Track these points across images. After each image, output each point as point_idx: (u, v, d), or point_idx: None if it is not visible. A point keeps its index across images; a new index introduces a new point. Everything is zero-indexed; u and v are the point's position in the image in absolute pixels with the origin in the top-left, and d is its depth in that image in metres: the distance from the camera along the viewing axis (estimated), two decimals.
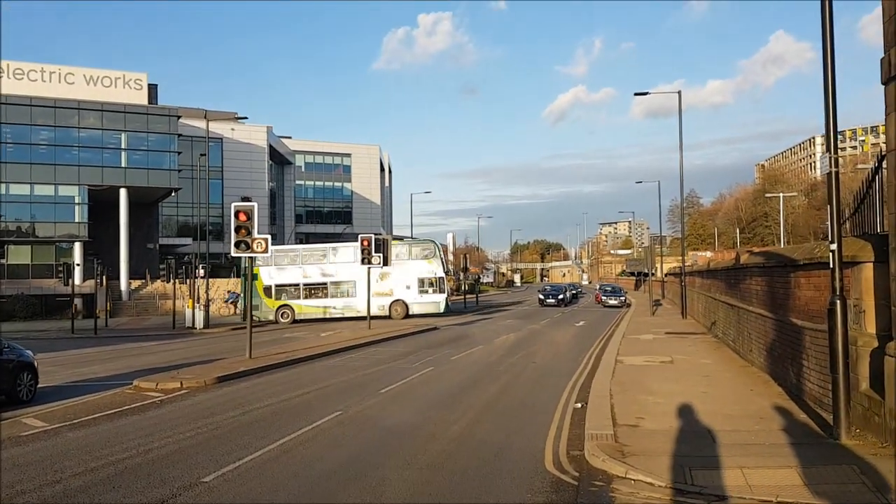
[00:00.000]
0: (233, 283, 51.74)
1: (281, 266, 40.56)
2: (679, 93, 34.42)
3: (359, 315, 36.97)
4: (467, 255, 75.15)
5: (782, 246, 63.18)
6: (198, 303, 35.68)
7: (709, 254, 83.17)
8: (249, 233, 17.97)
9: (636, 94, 35.36)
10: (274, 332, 31.92)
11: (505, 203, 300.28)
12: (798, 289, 11.61)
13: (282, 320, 39.26)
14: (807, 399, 10.90)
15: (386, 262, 31.13)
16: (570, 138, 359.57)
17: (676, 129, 30.25)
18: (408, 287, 39.73)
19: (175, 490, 7.57)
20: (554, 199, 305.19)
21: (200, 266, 38.92)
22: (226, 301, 48.18)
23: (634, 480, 7.41)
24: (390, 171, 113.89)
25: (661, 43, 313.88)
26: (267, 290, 40.06)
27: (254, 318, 40.26)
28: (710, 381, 13.82)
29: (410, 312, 39.57)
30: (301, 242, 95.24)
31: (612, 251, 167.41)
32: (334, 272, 40.09)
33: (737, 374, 14.63)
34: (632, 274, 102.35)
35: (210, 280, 40.37)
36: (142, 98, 53.05)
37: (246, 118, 56.11)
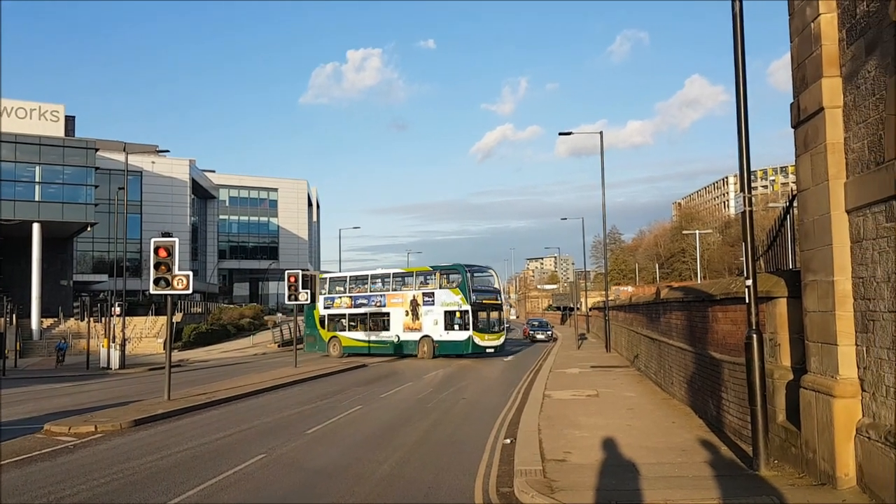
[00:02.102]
0: (151, 321, 49.94)
1: (333, 294, 39.37)
2: (601, 133, 35.65)
3: (391, 353, 35.75)
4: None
5: (699, 280, 65.58)
6: (113, 342, 34.24)
7: (630, 288, 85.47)
8: (170, 269, 17.44)
9: (561, 134, 36.94)
10: (201, 372, 30.83)
11: (434, 238, 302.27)
12: (716, 323, 12.03)
13: (332, 352, 38.24)
14: (727, 431, 11.22)
15: (313, 299, 30.73)
16: (498, 175, 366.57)
17: (599, 167, 31.37)
18: (435, 322, 34.80)
19: None
20: (482, 234, 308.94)
21: (117, 304, 37.44)
22: (57, 346, 39.28)
23: None
24: (318, 206, 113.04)
25: (583, 84, 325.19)
26: (321, 319, 39.22)
27: (317, 351, 39.27)
28: (633, 413, 14.08)
29: (437, 352, 34.72)
30: (224, 279, 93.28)
31: (538, 286, 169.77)
32: (374, 301, 37.70)
33: (659, 407, 14.96)
34: (558, 308, 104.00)
35: (127, 318, 38.84)
36: (58, 130, 51.33)
37: (167, 151, 54.67)
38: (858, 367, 7.39)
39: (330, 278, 40.90)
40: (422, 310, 35.15)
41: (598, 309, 49.24)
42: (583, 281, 63.55)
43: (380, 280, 38.39)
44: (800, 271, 8.62)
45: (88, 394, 22.58)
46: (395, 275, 38.27)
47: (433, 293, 35.06)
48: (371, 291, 38.09)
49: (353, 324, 38.14)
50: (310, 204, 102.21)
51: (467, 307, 33.54)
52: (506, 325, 38.31)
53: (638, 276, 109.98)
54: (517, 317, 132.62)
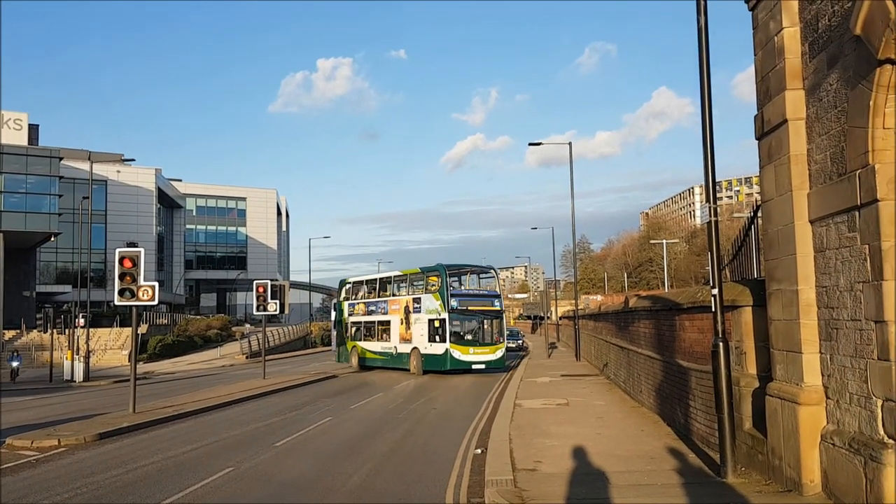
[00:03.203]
0: (115, 333, 49.09)
1: (353, 300, 36.45)
2: (570, 144, 36.01)
3: (397, 366, 31.74)
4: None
5: (666, 289, 66.36)
6: (77, 354, 33.55)
7: (599, 297, 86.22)
8: (135, 280, 17.15)
9: (530, 144, 36.98)
10: (168, 384, 30.34)
11: (405, 248, 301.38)
12: (683, 331, 12.17)
13: (353, 363, 34.96)
14: (695, 438, 11.33)
15: (282, 310, 30.32)
16: (469, 185, 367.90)
17: (569, 177, 31.71)
18: (422, 333, 30.03)
19: None
20: (453, 244, 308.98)
21: (81, 315, 36.71)
22: (9, 360, 37.29)
23: None
24: (288, 216, 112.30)
25: (553, 95, 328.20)
26: (346, 327, 36.18)
27: (342, 361, 36.25)
28: (603, 422, 14.16)
29: (423, 367, 30.02)
30: (191, 289, 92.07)
31: (509, 295, 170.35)
32: (380, 308, 33.78)
33: (628, 415, 15.06)
34: (528, 317, 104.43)
35: (91, 330, 38.09)
36: (21, 139, 50.42)
37: (133, 160, 53.95)
38: (823, 375, 7.52)
39: (353, 283, 37.96)
40: (412, 318, 30.75)
41: (568, 318, 49.54)
42: (553, 290, 63.92)
43: (386, 284, 34.52)
44: (764, 280, 8.77)
45: (51, 407, 22.06)
46: (396, 278, 33.98)
47: (420, 299, 30.55)
48: (379, 297, 34.43)
49: (367, 333, 34.52)
50: (279, 213, 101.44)
51: (445, 315, 28.74)
52: (507, 337, 33.16)
53: (607, 284, 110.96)
54: None
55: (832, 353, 7.29)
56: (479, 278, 33.55)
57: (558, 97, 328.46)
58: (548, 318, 55.88)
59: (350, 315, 36.14)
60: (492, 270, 33.25)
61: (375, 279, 36.20)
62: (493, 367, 29.36)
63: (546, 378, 24.74)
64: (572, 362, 32.87)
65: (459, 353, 28.61)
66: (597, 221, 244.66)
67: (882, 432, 6.38)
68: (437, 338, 28.90)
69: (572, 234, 38.62)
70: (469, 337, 29.65)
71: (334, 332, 40.01)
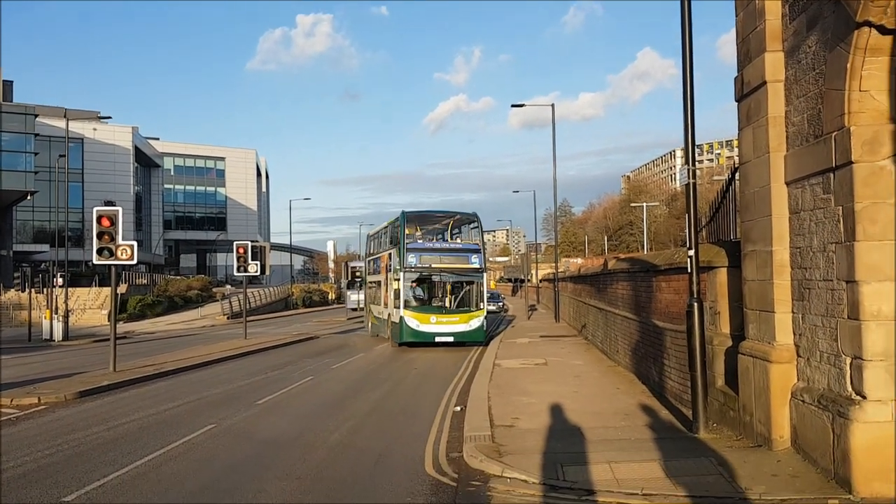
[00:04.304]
0: (95, 292, 48.78)
1: (369, 257, 31.69)
2: (552, 106, 35.73)
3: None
4: (348, 264, 74.46)
5: (645, 252, 66.85)
6: (56, 314, 33.34)
7: (580, 260, 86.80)
8: (113, 239, 17.01)
9: (513, 106, 36.44)
10: (148, 344, 30.31)
11: (388, 210, 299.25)
12: (659, 292, 12.35)
13: (369, 330, 30.61)
14: (668, 396, 11.59)
15: (263, 271, 30.06)
16: (451, 147, 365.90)
17: (551, 140, 31.49)
18: (391, 297, 25.26)
19: None
20: (436, 206, 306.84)
21: (59, 274, 36.39)
22: None
23: (510, 479, 7.60)
24: (268, 177, 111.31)
25: (536, 55, 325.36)
26: (367, 290, 31.98)
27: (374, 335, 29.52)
28: (580, 381, 14.41)
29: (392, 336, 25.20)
30: (170, 250, 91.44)
31: (491, 258, 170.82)
32: (377, 267, 29.10)
33: (605, 374, 15.33)
34: (509, 280, 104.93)
35: (70, 289, 37.81)
36: None
37: (109, 118, 52.96)
38: (794, 334, 7.69)
39: (369, 236, 32.72)
40: (390, 277, 25.65)
41: (548, 280, 49.91)
42: (534, 253, 64.28)
43: (382, 236, 29.36)
44: (740, 242, 8.90)
45: (31, 366, 21.99)
46: (382, 230, 29.37)
47: (391, 254, 25.69)
48: (375, 253, 29.95)
49: (373, 296, 30.12)
50: (259, 174, 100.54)
51: (400, 275, 23.82)
52: (487, 302, 25.42)
53: (588, 248, 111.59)
54: None
55: (804, 312, 7.45)
56: (459, 228, 28.16)
57: (542, 58, 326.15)
58: (528, 280, 56.29)
59: (368, 275, 32.08)
60: (475, 218, 26.25)
61: (377, 232, 30.86)
62: (466, 341, 23.71)
63: (526, 339, 25.00)
64: (552, 324, 33.22)
65: (417, 323, 23.34)
66: (579, 184, 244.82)
67: (850, 389, 6.57)
68: (397, 302, 23.89)
69: (554, 198, 38.70)
70: (432, 302, 24.67)
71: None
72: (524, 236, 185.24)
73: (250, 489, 7.69)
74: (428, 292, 24.95)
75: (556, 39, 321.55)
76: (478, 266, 24.33)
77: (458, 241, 27.48)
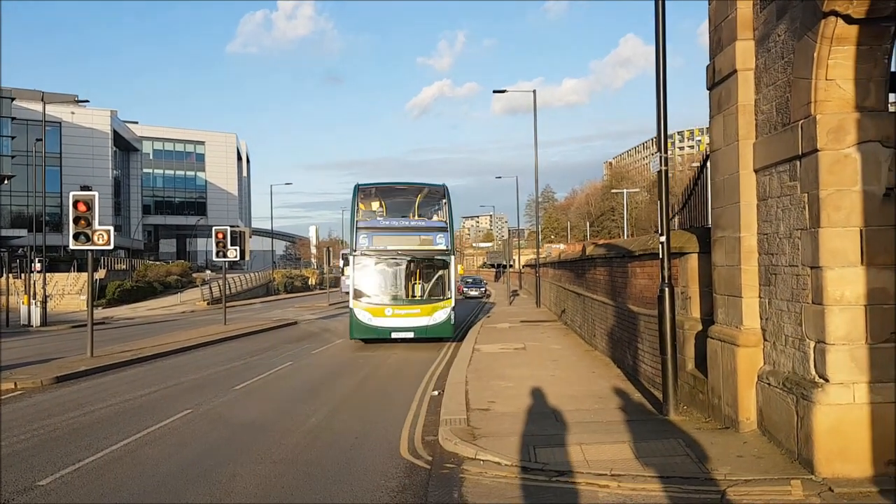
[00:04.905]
0: (73, 278, 48.36)
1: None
2: (534, 92, 35.87)
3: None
4: (331, 249, 74.30)
5: (625, 238, 67.28)
6: (34, 299, 33.05)
7: (561, 246, 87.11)
8: (90, 224, 16.89)
9: (495, 91, 36.32)
10: (126, 329, 30.13)
11: None
12: (634, 278, 12.50)
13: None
14: (642, 379, 11.77)
15: (243, 256, 29.88)
16: (434, 132, 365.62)
17: (534, 126, 31.28)
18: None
19: (7, 496, 7.04)
20: None
21: (37, 259, 36.04)
22: None
23: (484, 461, 7.72)
24: (248, 161, 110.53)
25: (521, 40, 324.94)
26: None
27: None
28: (557, 365, 14.57)
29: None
30: (150, 235, 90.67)
31: (473, 244, 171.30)
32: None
33: (582, 359, 15.51)
34: (492, 266, 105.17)
35: (48, 274, 37.48)
36: None
37: (87, 101, 52.26)
38: (761, 318, 7.85)
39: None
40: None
41: (530, 266, 50.14)
42: (516, 239, 64.48)
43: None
44: (711, 228, 9.03)
45: (8, 352, 21.78)
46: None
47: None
48: None
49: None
50: (239, 158, 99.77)
51: (350, 259, 20.94)
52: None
53: (570, 234, 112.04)
54: None
55: (770, 297, 7.60)
56: (430, 203, 24.31)
57: (526, 43, 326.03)
58: (510, 266, 56.53)
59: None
60: (443, 191, 22.55)
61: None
62: (429, 336, 20.49)
63: (506, 324, 25.18)
64: (532, 309, 33.45)
65: (370, 316, 20.13)
66: (561, 171, 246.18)
67: (814, 372, 6.73)
68: (349, 292, 20.82)
69: (535, 184, 38.86)
70: (386, 292, 20.68)
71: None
72: (507, 222, 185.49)
73: (224, 473, 7.75)
74: (382, 279, 20.80)
75: (541, 24, 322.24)
76: (444, 247, 20.80)
77: (423, 219, 23.55)
